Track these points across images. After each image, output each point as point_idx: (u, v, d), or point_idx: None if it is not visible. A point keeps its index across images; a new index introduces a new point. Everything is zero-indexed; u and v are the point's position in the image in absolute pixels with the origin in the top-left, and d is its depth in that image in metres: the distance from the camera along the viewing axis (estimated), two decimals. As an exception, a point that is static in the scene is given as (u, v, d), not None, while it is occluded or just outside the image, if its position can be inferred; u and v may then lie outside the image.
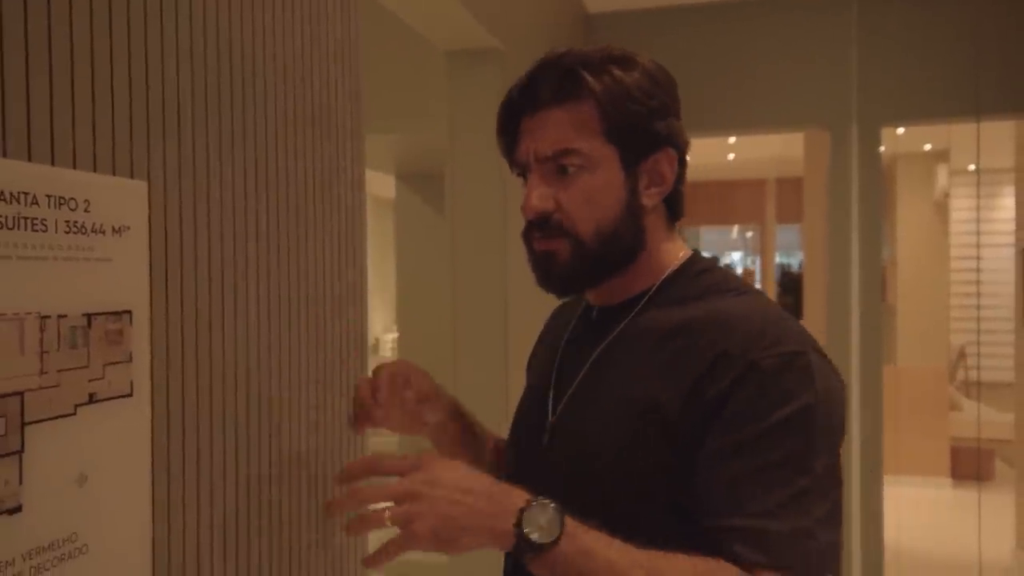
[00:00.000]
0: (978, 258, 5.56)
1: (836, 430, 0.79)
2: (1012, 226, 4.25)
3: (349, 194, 1.14)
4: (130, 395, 0.70)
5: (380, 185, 5.69)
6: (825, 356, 0.82)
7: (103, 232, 0.67)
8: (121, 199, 0.70)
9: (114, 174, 0.70)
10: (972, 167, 6.57)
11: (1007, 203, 5.65)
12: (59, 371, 0.63)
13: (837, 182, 3.00)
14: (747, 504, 0.76)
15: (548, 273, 0.89)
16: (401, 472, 0.78)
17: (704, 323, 0.83)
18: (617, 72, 0.86)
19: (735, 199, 8.83)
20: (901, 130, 4.21)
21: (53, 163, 0.64)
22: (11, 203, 0.59)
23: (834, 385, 0.80)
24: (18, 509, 0.60)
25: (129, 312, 0.70)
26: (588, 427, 0.86)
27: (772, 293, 6.91)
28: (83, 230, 0.65)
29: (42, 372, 0.61)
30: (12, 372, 0.58)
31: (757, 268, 9.45)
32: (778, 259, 8.11)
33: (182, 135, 0.79)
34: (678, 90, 0.91)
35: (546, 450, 0.92)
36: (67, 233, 0.63)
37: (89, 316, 0.66)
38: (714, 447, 0.78)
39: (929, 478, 5.22)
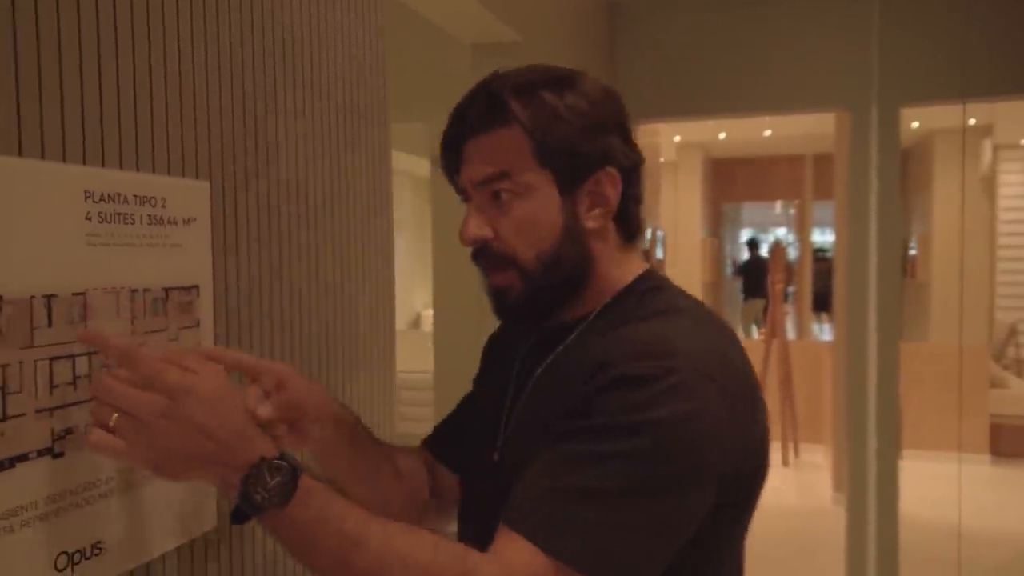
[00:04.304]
0: None
1: (684, 458, 0.72)
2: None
3: (375, 194, 1.30)
4: (198, 353, 0.87)
5: (418, 164, 5.81)
6: (727, 391, 0.75)
7: (176, 223, 0.85)
8: (189, 196, 0.87)
9: (183, 176, 0.87)
10: (1024, 141, 6.43)
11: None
12: (145, 333, 0.81)
13: (857, 163, 3.06)
14: (541, 478, 0.73)
15: (502, 306, 0.87)
16: (149, 381, 0.67)
17: (606, 344, 0.80)
18: (547, 95, 0.82)
19: (775, 175, 8.78)
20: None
21: (138, 169, 0.81)
22: (108, 202, 0.76)
23: (711, 417, 0.73)
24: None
25: (196, 287, 0.88)
26: (524, 454, 0.79)
27: (808, 271, 6.89)
28: (161, 222, 0.82)
29: (133, 333, 0.79)
30: (111, 333, 0.76)
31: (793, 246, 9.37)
32: (818, 237, 8.05)
33: (236, 141, 0.96)
34: (622, 109, 0.87)
35: (495, 471, 0.87)
36: (149, 225, 0.81)
37: (167, 290, 0.83)
38: (554, 434, 0.75)
39: (966, 455, 5.22)
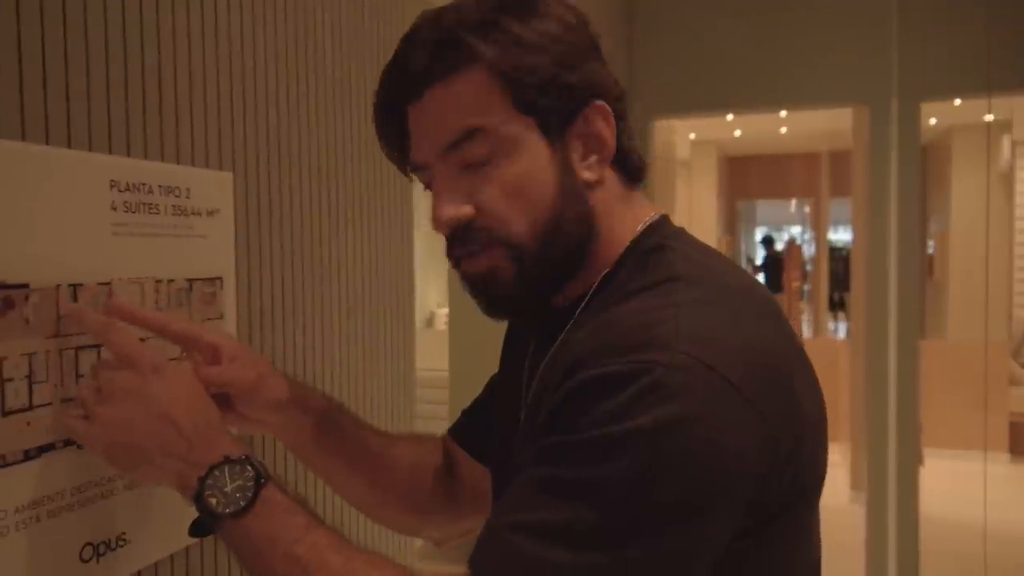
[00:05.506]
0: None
1: (678, 479, 0.55)
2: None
3: (395, 191, 1.30)
4: (221, 345, 0.87)
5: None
6: (739, 383, 0.57)
7: (200, 214, 0.84)
8: (213, 187, 0.86)
9: (207, 167, 0.87)
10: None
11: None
12: (169, 324, 0.80)
13: (877, 159, 3.03)
14: (502, 510, 0.61)
15: (493, 297, 0.70)
16: (120, 360, 0.66)
17: (585, 335, 0.64)
18: (511, 23, 0.66)
19: (790, 173, 8.74)
20: (958, 101, 4.16)
21: (163, 159, 0.81)
22: (134, 192, 0.76)
23: (714, 420, 0.56)
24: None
25: (220, 278, 0.87)
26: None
27: (824, 269, 6.84)
28: (185, 212, 0.82)
29: (157, 324, 0.78)
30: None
31: (808, 244, 9.32)
32: (831, 235, 8.00)
33: (259, 133, 0.96)
34: (594, 30, 0.72)
35: (512, 466, 0.71)
36: (174, 215, 0.80)
37: (191, 281, 0.83)
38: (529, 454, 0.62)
39: (987, 453, 5.17)
